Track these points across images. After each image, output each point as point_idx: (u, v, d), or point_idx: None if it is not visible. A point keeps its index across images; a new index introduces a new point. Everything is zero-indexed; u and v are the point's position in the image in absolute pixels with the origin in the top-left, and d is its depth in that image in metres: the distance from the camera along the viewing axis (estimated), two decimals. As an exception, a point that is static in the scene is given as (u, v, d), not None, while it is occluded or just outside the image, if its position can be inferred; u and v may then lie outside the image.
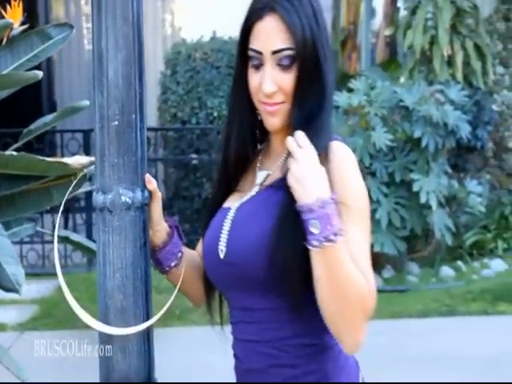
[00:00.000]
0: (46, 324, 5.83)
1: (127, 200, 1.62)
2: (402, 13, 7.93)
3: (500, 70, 7.77)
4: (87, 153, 7.14)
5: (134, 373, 1.66)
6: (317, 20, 1.65)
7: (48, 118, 2.13)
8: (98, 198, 1.63)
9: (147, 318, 1.68)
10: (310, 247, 1.52)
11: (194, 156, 7.24)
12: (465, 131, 6.42)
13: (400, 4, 8.55)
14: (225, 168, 1.80)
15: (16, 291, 1.73)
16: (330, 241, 1.50)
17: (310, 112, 1.66)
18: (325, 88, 1.68)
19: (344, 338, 1.57)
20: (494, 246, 7.16)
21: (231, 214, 1.72)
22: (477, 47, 7.29)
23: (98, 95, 1.61)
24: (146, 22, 7.54)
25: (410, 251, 6.77)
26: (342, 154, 1.65)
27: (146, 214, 1.67)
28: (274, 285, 1.62)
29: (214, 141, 7.16)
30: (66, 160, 2.02)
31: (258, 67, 1.67)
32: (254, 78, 1.68)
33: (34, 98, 8.37)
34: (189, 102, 7.24)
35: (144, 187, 1.67)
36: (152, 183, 1.70)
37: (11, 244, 1.81)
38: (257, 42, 1.66)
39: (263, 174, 1.76)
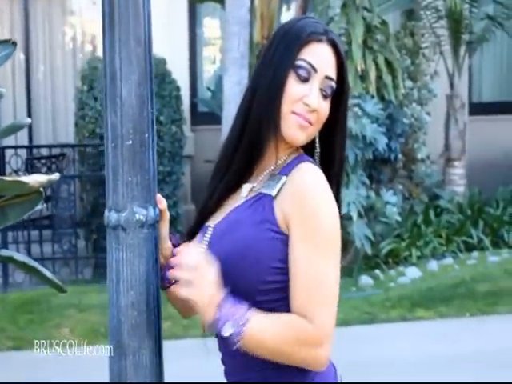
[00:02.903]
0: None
1: (141, 218, 1.64)
2: (315, 28, 8.09)
3: (409, 84, 8.03)
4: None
5: (147, 388, 1.68)
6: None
7: (-12, 136, 2.10)
8: (112, 217, 1.65)
9: (159, 333, 1.70)
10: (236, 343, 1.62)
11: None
12: (381, 143, 6.63)
13: (313, 20, 8.72)
14: (225, 177, 1.84)
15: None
16: (245, 331, 1.61)
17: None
18: (346, 126, 1.82)
19: (306, 367, 1.70)
20: (408, 254, 7.38)
21: (209, 233, 1.80)
22: (387, 62, 7.53)
23: (112, 115, 1.62)
24: (56, 37, 7.41)
25: (329, 261, 6.91)
26: (307, 180, 1.71)
27: (157, 231, 1.70)
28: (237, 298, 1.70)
29: (133, 156, 7.10)
30: (25, 179, 2.01)
31: (303, 80, 1.74)
32: (296, 88, 1.74)
33: None
34: (107, 118, 7.17)
35: (155, 204, 1.69)
36: (162, 203, 1.74)
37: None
38: (313, 58, 1.75)
39: (248, 187, 1.82)
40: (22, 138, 9.00)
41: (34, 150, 8.25)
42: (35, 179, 2.01)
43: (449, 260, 7.40)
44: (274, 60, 1.76)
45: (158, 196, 1.72)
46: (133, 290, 1.65)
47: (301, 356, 1.65)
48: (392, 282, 6.99)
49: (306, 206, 1.66)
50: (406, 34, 8.32)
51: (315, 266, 1.65)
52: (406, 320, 6.28)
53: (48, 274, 2.07)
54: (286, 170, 1.75)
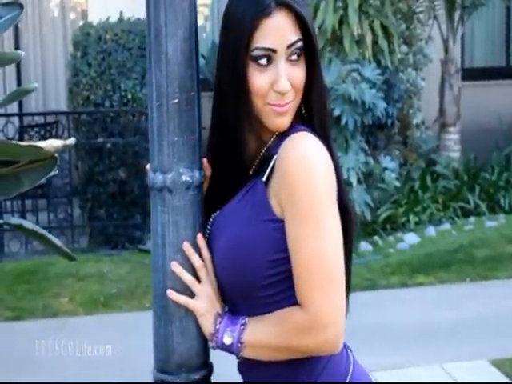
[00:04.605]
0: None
1: (187, 179, 1.59)
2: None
3: (404, 49, 7.96)
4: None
5: (195, 355, 1.63)
6: (309, 9, 1.63)
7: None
8: (157, 178, 1.59)
9: (206, 297, 1.65)
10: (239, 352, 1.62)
11: (107, 139, 7.10)
12: (380, 109, 6.58)
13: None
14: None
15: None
16: (243, 338, 1.60)
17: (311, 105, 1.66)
18: (322, 78, 1.67)
19: (318, 354, 1.63)
20: (406, 220, 7.37)
21: (209, 225, 1.69)
22: (383, 27, 7.46)
23: (157, 73, 1.56)
24: (45, 2, 7.22)
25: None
26: (289, 150, 1.57)
27: (202, 193, 1.65)
28: (239, 295, 1.64)
29: (128, 123, 7.05)
30: (40, 144, 1.96)
31: (265, 67, 1.58)
32: (260, 79, 1.58)
33: None
34: (102, 85, 7.09)
35: (201, 165, 1.64)
36: (209, 169, 1.67)
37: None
38: (268, 40, 1.57)
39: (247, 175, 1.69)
40: (11, 105, 8.87)
41: (28, 118, 8.13)
42: (51, 144, 1.95)
43: (446, 225, 7.39)
44: (230, 53, 1.60)
45: (205, 161, 1.65)
46: (179, 253, 1.60)
47: (305, 346, 1.57)
48: (391, 248, 6.97)
49: (288, 179, 1.53)
50: (400, -1, 8.23)
51: (306, 246, 1.53)
52: (406, 286, 6.27)
53: (57, 242, 2.03)
54: (276, 148, 1.61)
